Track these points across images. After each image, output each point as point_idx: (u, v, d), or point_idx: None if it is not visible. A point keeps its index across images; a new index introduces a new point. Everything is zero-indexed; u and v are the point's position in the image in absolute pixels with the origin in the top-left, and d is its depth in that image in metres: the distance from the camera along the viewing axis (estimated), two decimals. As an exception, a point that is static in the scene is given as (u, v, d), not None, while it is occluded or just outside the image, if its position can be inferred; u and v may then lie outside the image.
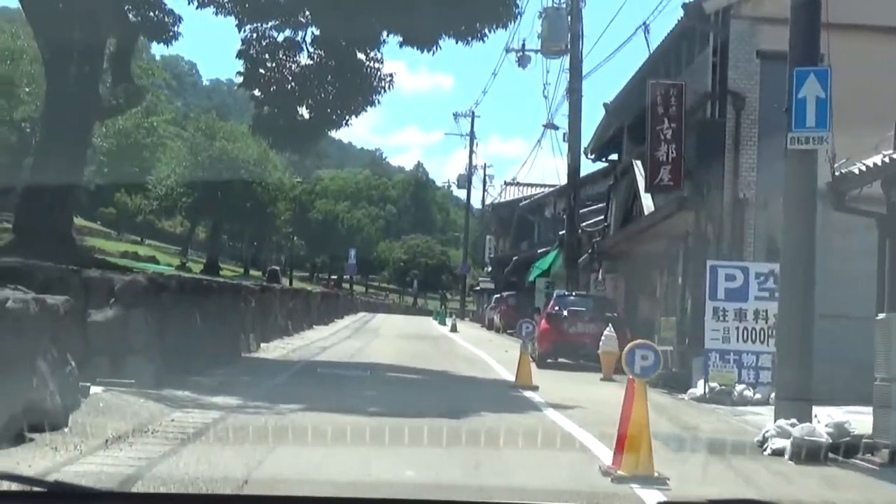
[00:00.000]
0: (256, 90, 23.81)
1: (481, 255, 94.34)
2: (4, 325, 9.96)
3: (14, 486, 4.36)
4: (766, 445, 12.46)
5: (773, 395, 15.63)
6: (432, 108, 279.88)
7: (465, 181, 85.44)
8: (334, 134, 26.72)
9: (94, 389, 13.80)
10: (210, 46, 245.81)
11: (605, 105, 32.30)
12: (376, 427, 12.17)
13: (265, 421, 12.72)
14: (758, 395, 18.47)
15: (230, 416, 13.21)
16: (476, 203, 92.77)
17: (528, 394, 18.98)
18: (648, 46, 27.71)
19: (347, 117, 23.88)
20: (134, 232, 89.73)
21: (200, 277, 23.38)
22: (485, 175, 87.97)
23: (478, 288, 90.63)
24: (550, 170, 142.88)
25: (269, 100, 23.81)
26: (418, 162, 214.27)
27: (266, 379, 19.29)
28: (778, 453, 12.13)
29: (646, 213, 26.03)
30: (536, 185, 72.14)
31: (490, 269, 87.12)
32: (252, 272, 78.98)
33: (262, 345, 27.78)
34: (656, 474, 9.72)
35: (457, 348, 34.76)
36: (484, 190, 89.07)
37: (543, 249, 51.89)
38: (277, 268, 47.33)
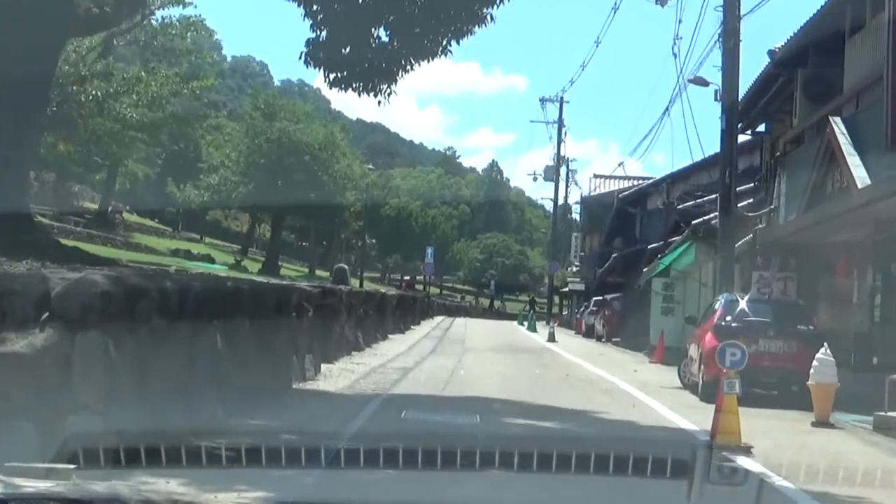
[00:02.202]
0: (313, 4, 16.31)
1: (563, 254, 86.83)
2: None
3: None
4: None
5: None
6: (505, 110, 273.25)
7: (552, 173, 77.81)
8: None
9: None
10: (282, 47, 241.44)
11: (770, 53, 24.72)
12: None
13: None
14: None
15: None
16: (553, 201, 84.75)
17: (747, 463, 11.54)
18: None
19: (444, 41, 16.36)
20: (198, 231, 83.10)
21: (225, 278, 16.32)
22: (568, 168, 79.89)
23: (565, 289, 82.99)
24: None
25: (330, 18, 16.23)
26: (493, 161, 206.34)
27: (322, 435, 11.85)
28: None
29: (859, 185, 18.42)
30: (629, 178, 64.77)
31: (577, 268, 79.66)
32: (319, 272, 71.97)
33: (324, 367, 20.70)
34: None
35: (572, 368, 27.36)
36: (568, 184, 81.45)
37: (654, 245, 44.33)
38: (346, 266, 40.02)
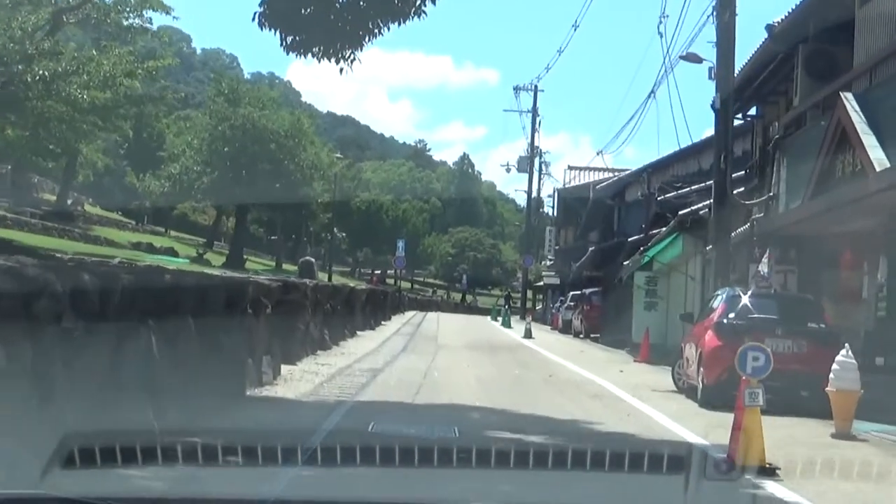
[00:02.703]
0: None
1: (536, 248, 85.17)
2: None
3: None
4: None
5: None
6: (477, 104, 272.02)
7: (526, 164, 75.98)
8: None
9: None
10: (252, 39, 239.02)
11: (768, 28, 22.95)
12: None
13: None
14: None
15: None
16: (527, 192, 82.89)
17: (777, 489, 9.75)
18: None
19: (419, 0, 14.58)
20: (164, 224, 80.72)
21: (165, 270, 14.37)
22: (541, 160, 78.07)
23: (539, 284, 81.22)
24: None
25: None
26: (464, 154, 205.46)
27: (271, 457, 9.84)
28: None
29: (877, 168, 16.64)
30: (604, 170, 62.88)
31: (551, 262, 77.90)
32: (287, 266, 69.94)
33: (285, 370, 18.81)
34: None
35: (553, 368, 25.56)
36: (541, 177, 79.71)
37: (635, 237, 42.54)
38: (313, 259, 38.05)
